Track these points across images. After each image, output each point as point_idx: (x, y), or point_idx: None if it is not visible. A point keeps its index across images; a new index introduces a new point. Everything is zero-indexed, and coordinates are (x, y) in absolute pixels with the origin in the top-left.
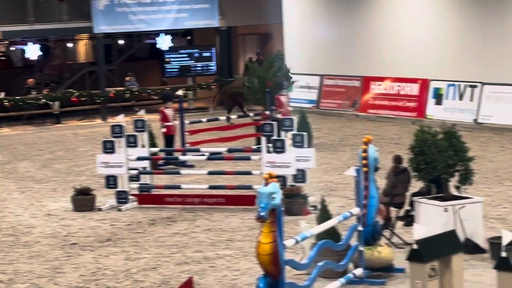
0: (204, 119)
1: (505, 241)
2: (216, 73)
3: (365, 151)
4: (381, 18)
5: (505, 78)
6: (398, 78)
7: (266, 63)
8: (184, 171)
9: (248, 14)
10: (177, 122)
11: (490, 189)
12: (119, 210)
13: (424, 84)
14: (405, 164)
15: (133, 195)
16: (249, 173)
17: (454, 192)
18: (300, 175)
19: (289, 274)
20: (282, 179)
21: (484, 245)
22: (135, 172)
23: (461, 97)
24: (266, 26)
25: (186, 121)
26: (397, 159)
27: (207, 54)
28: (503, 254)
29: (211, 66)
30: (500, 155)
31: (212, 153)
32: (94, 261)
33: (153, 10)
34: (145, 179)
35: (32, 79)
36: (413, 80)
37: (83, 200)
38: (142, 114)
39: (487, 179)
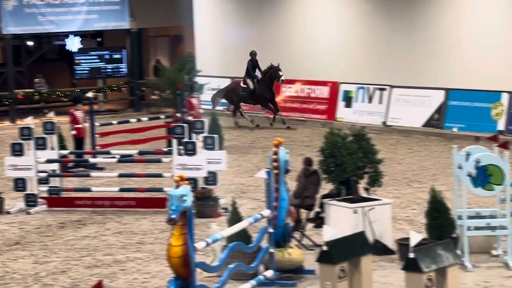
0: (114, 121)
1: (413, 242)
2: (127, 75)
3: (275, 153)
4: (292, 22)
5: (413, 81)
6: (308, 81)
7: (177, 65)
8: (94, 173)
9: (159, 16)
10: (87, 124)
11: (398, 191)
12: (28, 213)
13: (334, 87)
14: (315, 166)
15: (42, 198)
16: (160, 175)
17: (363, 194)
18: (211, 178)
19: (200, 277)
20: (193, 181)
21: (392, 246)
22: (44, 174)
23: (370, 99)
24: (177, 28)
25: (97, 123)
26: (307, 162)
27: (118, 56)
28: (411, 255)
29: (122, 68)
30: (408, 157)
31: (122, 156)
32: (2, 265)
33: (62, 11)
34: (55, 182)
35: None
36: (323, 83)
37: None
38: (51, 116)
39: (395, 181)
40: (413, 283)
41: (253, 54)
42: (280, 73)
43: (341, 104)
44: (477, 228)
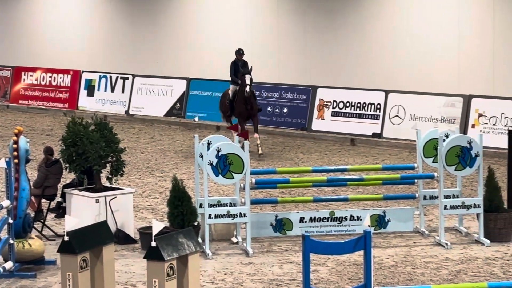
0: None
1: (155, 231)
2: None
3: (15, 142)
4: (34, 8)
5: (155, 70)
6: (50, 69)
7: None
8: None
9: None
10: None
11: (141, 180)
12: None
13: (76, 75)
14: (56, 155)
15: None
16: None
17: (105, 183)
18: None
19: None
20: None
21: (135, 235)
22: None
23: (113, 89)
24: None
25: None
26: (48, 151)
27: None
28: (153, 243)
29: None
30: (150, 146)
31: None
32: None
33: None
34: None
35: None
36: (65, 71)
37: None
38: None
39: (138, 170)
40: (154, 272)
41: (237, 53)
42: (247, 81)
43: (83, 92)
44: (217, 216)
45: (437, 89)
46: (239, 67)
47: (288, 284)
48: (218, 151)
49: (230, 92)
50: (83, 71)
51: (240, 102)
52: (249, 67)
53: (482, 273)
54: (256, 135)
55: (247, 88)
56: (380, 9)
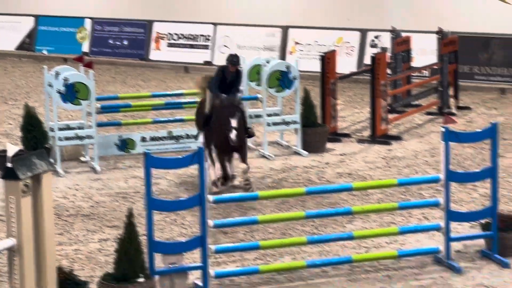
0: None
1: (10, 153)
2: None
3: None
4: None
5: (3, 8)
6: None
7: None
8: None
9: None
10: None
11: None
12: None
13: None
14: None
15: None
16: None
17: None
18: None
19: None
20: None
21: None
22: None
23: None
24: None
25: None
26: None
27: None
28: (8, 164)
29: None
30: (3, 77)
31: None
32: None
33: None
34: None
35: None
36: None
37: None
38: None
39: None
40: (10, 190)
41: (228, 60)
42: (232, 124)
43: None
44: (67, 139)
45: (259, 21)
46: (227, 81)
47: (133, 196)
48: (66, 80)
49: (207, 104)
50: None
51: (221, 134)
52: (240, 85)
53: (301, 179)
54: (243, 165)
55: (233, 136)
56: None
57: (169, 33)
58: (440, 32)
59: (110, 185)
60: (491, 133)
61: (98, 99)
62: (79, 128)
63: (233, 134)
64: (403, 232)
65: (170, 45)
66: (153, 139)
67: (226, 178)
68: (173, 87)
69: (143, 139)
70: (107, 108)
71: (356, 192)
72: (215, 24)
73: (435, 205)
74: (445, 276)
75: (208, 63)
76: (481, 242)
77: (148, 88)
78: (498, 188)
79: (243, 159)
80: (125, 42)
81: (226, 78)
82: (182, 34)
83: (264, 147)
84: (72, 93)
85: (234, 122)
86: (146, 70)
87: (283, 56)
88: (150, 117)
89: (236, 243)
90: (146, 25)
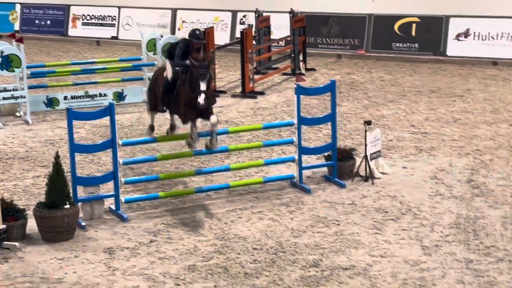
0: None
1: None
2: None
3: None
4: None
5: None
6: None
7: None
8: None
9: None
10: None
11: None
12: None
13: None
14: None
15: None
16: None
17: None
18: None
19: None
20: None
21: None
22: None
23: None
24: None
25: None
26: None
27: None
28: None
29: None
30: None
31: None
32: None
33: None
34: None
35: None
36: None
37: None
38: None
39: None
40: None
41: (191, 35)
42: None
43: None
44: (4, 98)
45: (154, 5)
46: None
47: (58, 142)
48: (2, 53)
49: (168, 74)
50: None
51: (188, 105)
52: (210, 57)
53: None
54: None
55: (201, 100)
56: None
57: (83, 14)
58: (291, 12)
59: (40, 134)
60: (331, 88)
61: (28, 67)
62: (14, 90)
63: (201, 98)
64: (267, 164)
65: (84, 24)
66: (73, 97)
67: (172, 128)
68: (87, 57)
69: (65, 98)
70: (36, 74)
71: (231, 135)
72: (119, 7)
73: (291, 143)
74: (298, 195)
75: (115, 37)
76: (325, 169)
77: (67, 58)
78: (337, 129)
79: (209, 115)
80: (48, 22)
81: (189, 51)
82: (93, 15)
83: None
84: (7, 62)
85: (203, 86)
86: (66, 44)
87: (173, 32)
88: (70, 81)
89: (141, 176)
90: (65, 8)
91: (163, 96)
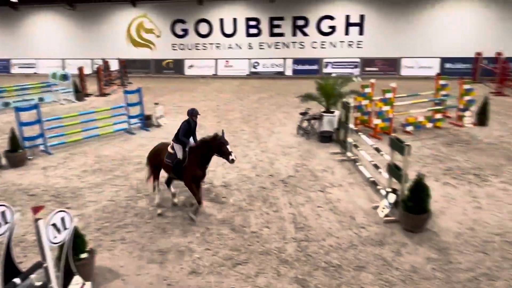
0: None
1: None
2: None
3: None
4: None
5: None
6: None
7: None
8: None
9: None
10: None
11: None
12: None
13: None
14: None
15: None
16: None
17: None
18: None
19: None
20: None
21: None
22: None
23: None
24: None
25: None
26: None
27: None
28: None
29: None
30: None
31: None
32: None
33: None
34: None
35: None
36: None
37: None
38: None
39: None
40: None
41: (191, 114)
42: (229, 149)
43: None
44: None
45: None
46: (192, 129)
47: None
48: None
49: (178, 152)
50: None
51: (197, 166)
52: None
53: None
54: (201, 206)
55: (233, 157)
56: None
57: None
58: (118, 59)
59: None
60: (138, 91)
61: None
62: None
63: (233, 155)
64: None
65: None
66: None
67: (173, 195)
68: None
69: None
70: None
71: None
72: None
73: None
74: None
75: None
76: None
77: None
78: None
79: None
80: None
81: (191, 127)
82: None
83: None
84: None
85: (230, 148)
86: None
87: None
88: None
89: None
90: None
91: (172, 170)
